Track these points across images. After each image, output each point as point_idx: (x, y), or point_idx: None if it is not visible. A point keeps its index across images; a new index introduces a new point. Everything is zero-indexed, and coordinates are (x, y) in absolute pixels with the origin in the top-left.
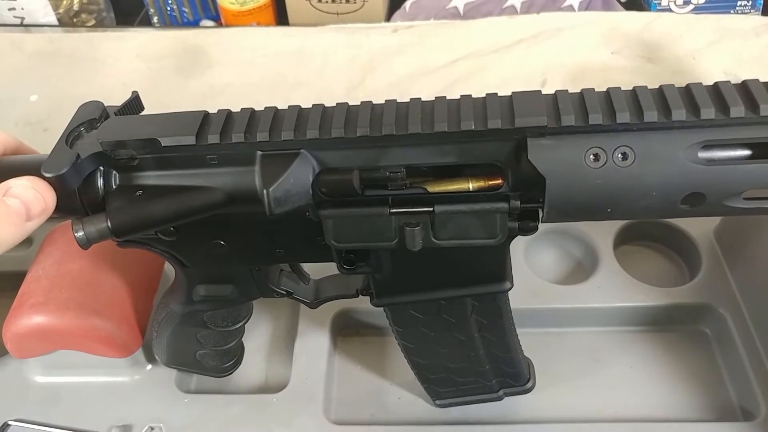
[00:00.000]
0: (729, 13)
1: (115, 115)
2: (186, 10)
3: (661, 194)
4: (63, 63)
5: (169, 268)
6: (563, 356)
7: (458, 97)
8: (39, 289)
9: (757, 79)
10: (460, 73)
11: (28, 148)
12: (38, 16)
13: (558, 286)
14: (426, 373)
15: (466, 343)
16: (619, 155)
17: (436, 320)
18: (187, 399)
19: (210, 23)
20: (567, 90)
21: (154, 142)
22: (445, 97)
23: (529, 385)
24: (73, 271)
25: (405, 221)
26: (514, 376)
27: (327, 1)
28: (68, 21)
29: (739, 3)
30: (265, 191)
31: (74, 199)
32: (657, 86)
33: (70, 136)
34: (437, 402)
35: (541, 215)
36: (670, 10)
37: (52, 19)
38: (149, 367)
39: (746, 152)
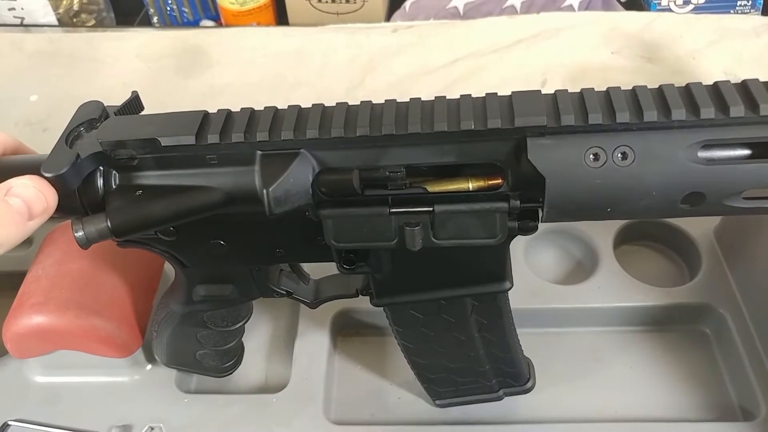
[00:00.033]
0: (729, 13)
1: (115, 115)
2: (186, 10)
3: (661, 194)
4: (63, 63)
5: (169, 268)
6: (563, 356)
7: (458, 96)
8: (39, 289)
9: (757, 79)
10: (460, 73)
11: (27, 149)
12: (38, 16)
13: (558, 286)
14: (426, 373)
15: (466, 343)
16: (619, 155)
17: (436, 320)
18: (187, 399)
19: (210, 23)
20: (567, 90)
21: (153, 142)
22: (445, 96)
23: (529, 385)
24: (73, 271)
25: (405, 221)
26: (514, 376)
27: (327, 1)
28: (68, 21)
29: (739, 3)
30: (264, 191)
31: (74, 199)
32: (657, 86)
33: (70, 136)
34: (437, 402)
35: (540, 215)
36: (670, 10)
37: (52, 19)
38: (149, 367)
39: (746, 152)
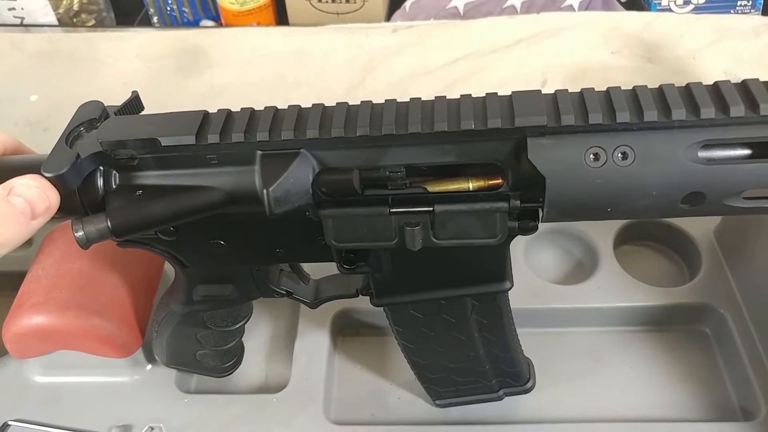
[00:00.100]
0: (729, 13)
1: (115, 115)
2: (186, 10)
3: (661, 194)
4: (63, 63)
5: (169, 268)
6: (563, 356)
7: (458, 96)
8: (39, 289)
9: (757, 79)
10: (460, 73)
11: (27, 149)
12: (38, 16)
13: (558, 286)
14: (426, 373)
15: (466, 343)
16: (619, 155)
17: (436, 320)
18: (187, 399)
19: (210, 23)
20: (567, 90)
21: (154, 141)
22: (445, 96)
23: (529, 385)
24: (73, 271)
25: (405, 221)
26: (514, 376)
27: (327, 1)
28: (68, 21)
29: (739, 3)
30: (265, 191)
31: (74, 199)
32: (657, 86)
33: (70, 136)
34: (437, 402)
35: (541, 215)
36: (670, 10)
37: (52, 19)
38: (149, 367)
39: (746, 151)
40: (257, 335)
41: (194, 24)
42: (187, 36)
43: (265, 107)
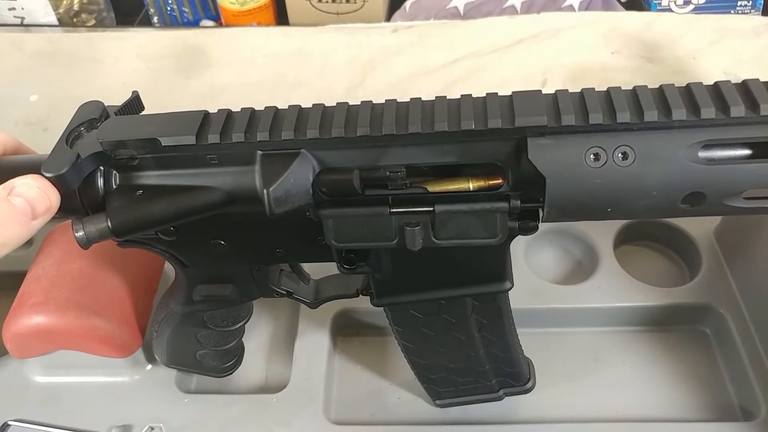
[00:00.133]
0: (729, 13)
1: (115, 115)
2: (186, 10)
3: (661, 194)
4: (63, 63)
5: (169, 268)
6: (563, 356)
7: (458, 96)
8: (39, 289)
9: (757, 79)
10: (460, 73)
11: (28, 149)
12: (38, 16)
13: (558, 286)
14: (426, 373)
15: (466, 343)
16: (620, 155)
17: (436, 320)
18: (187, 399)
19: (210, 23)
20: (567, 90)
21: (154, 141)
22: (445, 96)
23: (529, 385)
24: (73, 271)
25: (405, 221)
26: (514, 376)
27: (327, 1)
28: (68, 21)
29: (739, 3)
30: (265, 191)
31: (74, 199)
32: (657, 86)
33: (70, 136)
34: (437, 402)
35: (541, 215)
36: (670, 10)
37: (52, 19)
38: (149, 367)
39: (746, 152)
40: (257, 335)
41: (194, 24)
42: (187, 36)
43: (265, 107)
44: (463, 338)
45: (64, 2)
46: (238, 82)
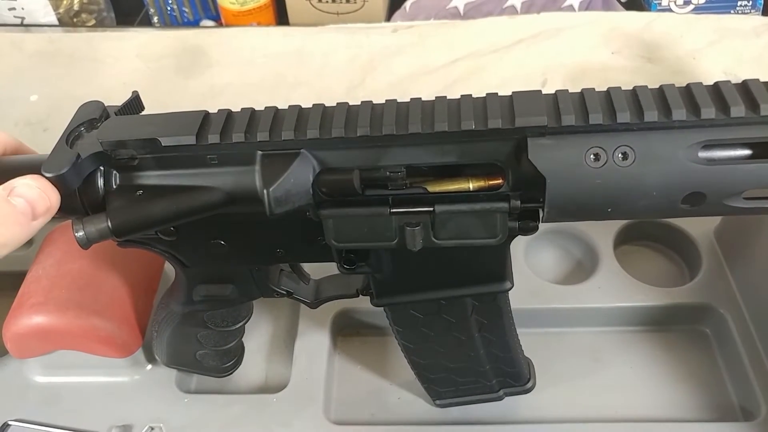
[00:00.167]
0: (729, 13)
1: (116, 115)
2: (186, 10)
3: (661, 194)
4: (63, 63)
5: (169, 268)
6: (563, 356)
7: (458, 96)
8: (39, 289)
9: (757, 79)
10: (460, 73)
11: (28, 149)
12: (38, 16)
13: (558, 286)
14: (426, 373)
15: (466, 343)
16: (620, 155)
17: (436, 320)
18: (187, 399)
19: (210, 23)
20: (567, 90)
21: (154, 141)
22: (445, 96)
23: (529, 385)
24: (73, 271)
25: (405, 221)
26: (514, 376)
27: (327, 1)
28: (68, 21)
29: (739, 3)
30: (265, 191)
31: (74, 199)
32: (657, 86)
33: (71, 136)
34: (437, 402)
35: (541, 215)
36: (670, 10)
37: (52, 19)
38: (149, 367)
39: (746, 152)
40: (257, 335)
41: (194, 24)
42: (187, 36)
43: (266, 107)
44: (463, 338)
45: (64, 2)
46: (238, 82)
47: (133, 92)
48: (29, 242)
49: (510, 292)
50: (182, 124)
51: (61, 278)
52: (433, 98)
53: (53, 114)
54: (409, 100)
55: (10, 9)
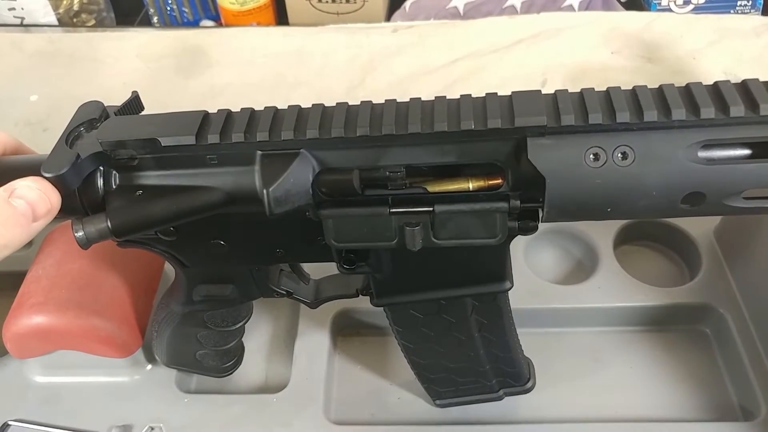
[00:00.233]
0: (729, 13)
1: (115, 115)
2: (186, 10)
3: (661, 194)
4: (63, 63)
5: (169, 268)
6: (563, 356)
7: (458, 96)
8: (39, 289)
9: (757, 79)
10: (460, 73)
11: (27, 149)
12: (38, 16)
13: (558, 286)
14: (426, 373)
15: (466, 343)
16: (619, 155)
17: (436, 320)
18: (187, 399)
19: (210, 23)
20: (567, 90)
21: (154, 142)
22: (445, 96)
23: (529, 385)
24: (73, 271)
25: (405, 221)
26: (514, 376)
27: (327, 1)
28: (68, 21)
29: (739, 3)
30: (265, 191)
31: (74, 199)
32: (657, 86)
33: (70, 136)
34: (437, 402)
35: (541, 215)
36: (670, 10)
37: (52, 19)
38: (149, 367)
39: (746, 151)
40: (257, 335)
41: (194, 24)
42: (187, 36)
43: (265, 107)
44: (463, 338)
45: (64, 2)
46: (238, 82)
47: (132, 92)
48: (29, 242)
49: (510, 292)
50: (182, 124)
51: (61, 278)
52: (433, 98)
53: (53, 114)
54: (408, 100)
55: (9, 9)
